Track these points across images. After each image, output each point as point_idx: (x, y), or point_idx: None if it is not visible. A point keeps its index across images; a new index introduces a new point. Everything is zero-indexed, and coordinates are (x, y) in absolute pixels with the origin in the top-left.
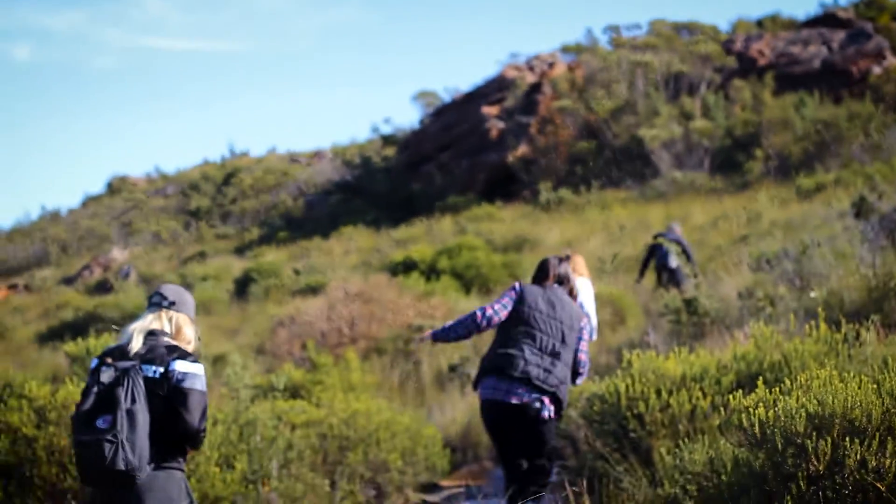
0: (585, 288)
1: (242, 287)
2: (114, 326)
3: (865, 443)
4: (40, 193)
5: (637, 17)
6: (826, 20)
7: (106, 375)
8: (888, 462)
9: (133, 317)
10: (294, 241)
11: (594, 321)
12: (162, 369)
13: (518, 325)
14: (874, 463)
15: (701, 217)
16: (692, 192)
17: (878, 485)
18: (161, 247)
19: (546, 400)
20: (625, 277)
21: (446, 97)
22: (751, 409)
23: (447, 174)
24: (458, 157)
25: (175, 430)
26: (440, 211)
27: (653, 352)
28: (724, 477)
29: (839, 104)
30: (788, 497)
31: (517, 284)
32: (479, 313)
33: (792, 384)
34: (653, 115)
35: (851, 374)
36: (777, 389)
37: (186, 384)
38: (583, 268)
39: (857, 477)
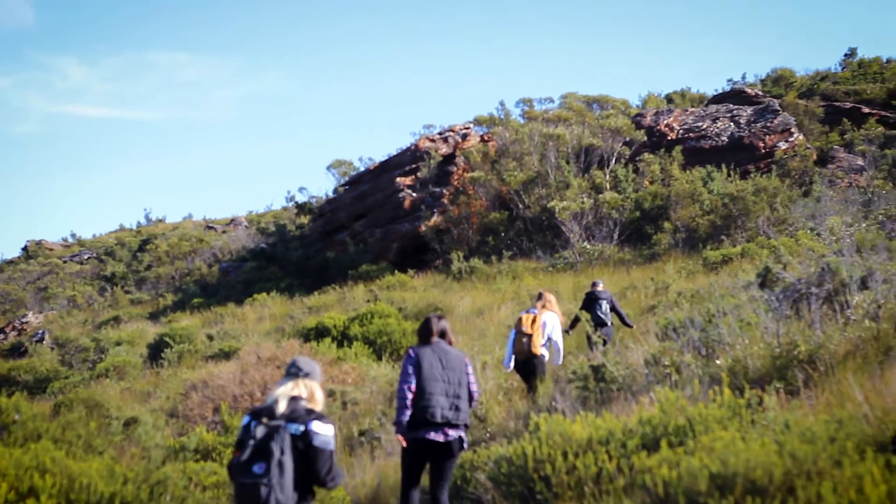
0: (552, 320)
1: (156, 352)
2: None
3: (767, 503)
4: None
5: (549, 91)
6: (734, 96)
7: (259, 430)
8: None
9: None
10: (208, 307)
11: (560, 345)
12: (303, 428)
13: (426, 382)
14: None
15: (610, 287)
16: (601, 263)
17: None
18: (76, 311)
19: (462, 434)
20: (570, 334)
21: (361, 167)
22: (654, 469)
23: (361, 242)
24: (371, 226)
25: (310, 481)
26: (353, 279)
27: (560, 415)
28: None
29: (746, 178)
30: None
31: (411, 352)
32: (406, 393)
33: (695, 445)
34: (563, 188)
35: (754, 437)
36: (681, 450)
37: (318, 442)
38: (552, 304)
39: None
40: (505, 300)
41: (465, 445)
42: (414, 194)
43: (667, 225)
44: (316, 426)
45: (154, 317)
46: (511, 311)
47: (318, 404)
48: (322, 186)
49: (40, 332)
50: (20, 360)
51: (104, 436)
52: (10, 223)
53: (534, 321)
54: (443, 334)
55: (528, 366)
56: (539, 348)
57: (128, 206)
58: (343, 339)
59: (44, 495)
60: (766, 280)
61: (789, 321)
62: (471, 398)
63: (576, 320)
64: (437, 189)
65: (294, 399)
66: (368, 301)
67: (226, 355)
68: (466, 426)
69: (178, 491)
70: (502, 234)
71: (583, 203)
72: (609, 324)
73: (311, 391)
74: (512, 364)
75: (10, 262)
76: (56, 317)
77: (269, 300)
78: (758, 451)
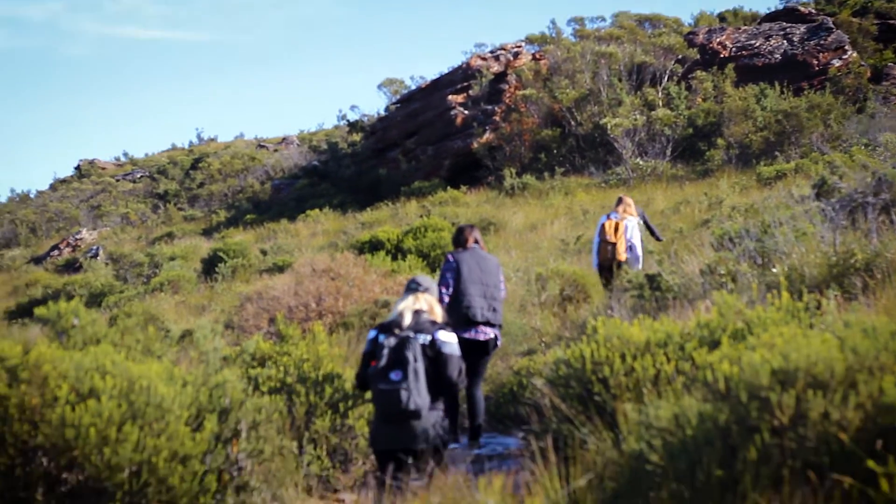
0: (633, 225)
1: (210, 266)
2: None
3: (829, 396)
4: (9, 176)
5: (601, 10)
6: (787, 15)
7: (391, 341)
8: (851, 415)
9: (101, 294)
10: (261, 223)
11: (639, 252)
12: (430, 337)
13: (467, 285)
14: (837, 416)
15: (663, 203)
16: (654, 179)
17: (841, 436)
18: (129, 228)
19: (497, 333)
20: (588, 258)
21: (412, 85)
22: (715, 365)
23: (413, 160)
24: (423, 143)
25: (439, 382)
26: (405, 196)
27: (617, 319)
28: (688, 431)
29: (799, 95)
30: (752, 448)
31: (450, 257)
32: (443, 296)
33: (756, 342)
34: (616, 105)
35: (814, 334)
36: (742, 346)
37: (446, 350)
38: (632, 208)
39: (821, 429)
40: (558, 215)
41: (499, 343)
42: (466, 112)
43: (720, 141)
44: (442, 335)
45: (207, 233)
46: (564, 226)
47: (438, 317)
48: (373, 105)
49: (94, 248)
50: (75, 276)
51: (162, 341)
52: (63, 143)
53: (616, 228)
54: (476, 241)
55: (612, 272)
56: (623, 254)
57: (180, 126)
58: (397, 252)
59: (104, 396)
60: (821, 191)
61: (845, 231)
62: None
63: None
64: (489, 107)
65: (417, 312)
66: (421, 216)
67: (279, 269)
68: (500, 326)
69: (236, 395)
70: (554, 151)
71: (635, 120)
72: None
73: (430, 305)
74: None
75: (64, 181)
76: (110, 233)
77: (322, 216)
78: (819, 347)
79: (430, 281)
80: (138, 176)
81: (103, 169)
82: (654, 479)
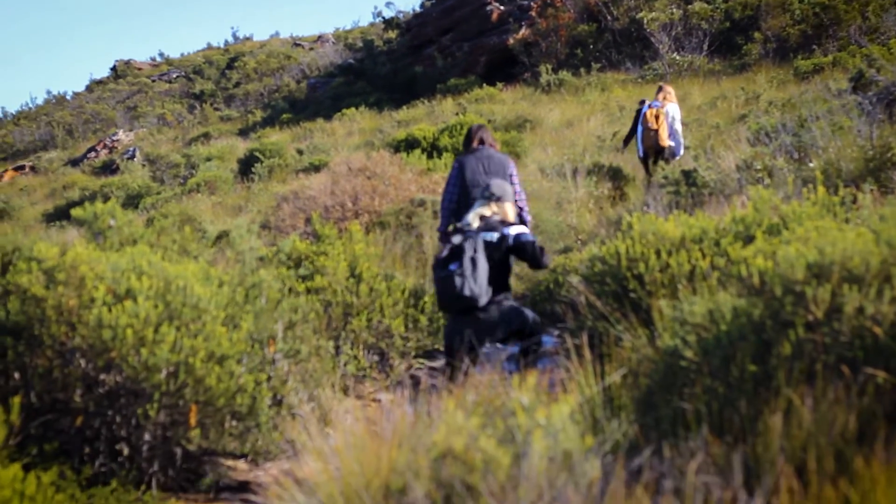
0: (674, 111)
1: (246, 167)
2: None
3: (864, 290)
4: (46, 78)
5: None
6: None
7: (456, 238)
8: (886, 308)
9: (138, 195)
10: (297, 122)
11: (680, 138)
12: (498, 234)
13: (470, 188)
14: (872, 310)
15: (699, 98)
16: (691, 74)
17: (876, 329)
18: (166, 129)
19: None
20: (624, 154)
21: None
22: (749, 260)
23: (448, 57)
24: (459, 39)
25: (506, 277)
26: (441, 93)
27: (653, 214)
28: (722, 326)
29: None
30: (786, 343)
31: (455, 161)
32: (446, 202)
33: (791, 236)
34: None
35: (849, 228)
36: (777, 240)
37: (522, 239)
38: (672, 96)
39: (855, 323)
40: (594, 112)
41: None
42: (501, 7)
43: (757, 35)
44: (512, 229)
45: (243, 133)
46: (600, 122)
47: (510, 218)
48: (409, 1)
49: (131, 149)
50: (112, 177)
51: (198, 242)
52: (98, 43)
53: (657, 115)
54: (482, 141)
55: (657, 158)
56: (666, 140)
57: (214, 25)
58: (433, 150)
59: (140, 297)
60: (858, 84)
61: (882, 124)
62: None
63: (629, 137)
64: (525, 2)
65: (485, 217)
66: (457, 114)
67: (315, 168)
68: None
69: (272, 294)
70: (591, 47)
71: (672, 14)
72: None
73: (503, 211)
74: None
75: (100, 82)
76: (146, 134)
77: (358, 115)
78: (854, 241)
79: (504, 187)
80: (174, 76)
81: (139, 69)
82: (689, 375)
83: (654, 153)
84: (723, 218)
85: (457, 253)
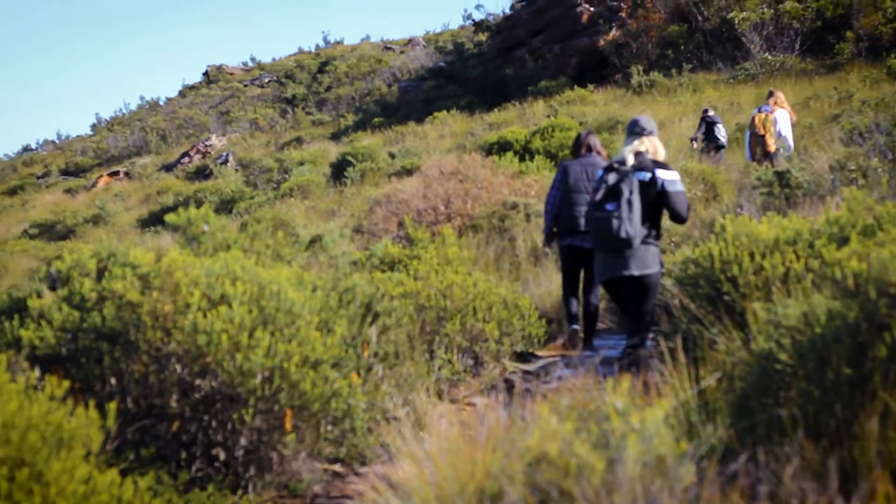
0: (783, 117)
1: (339, 171)
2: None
3: None
4: (139, 84)
5: None
6: None
7: (611, 177)
8: None
9: (231, 200)
10: (388, 126)
11: (790, 142)
12: (650, 175)
13: (571, 194)
14: None
15: (792, 98)
16: (782, 74)
17: None
18: (258, 134)
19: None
20: (716, 155)
21: None
22: (843, 262)
23: (539, 59)
24: (549, 41)
25: (657, 219)
26: (532, 95)
27: (746, 216)
28: (817, 329)
29: None
30: (882, 346)
31: (560, 166)
32: (549, 206)
33: (885, 238)
34: None
35: None
36: (871, 242)
37: (669, 188)
38: (783, 101)
39: None
40: (686, 113)
41: None
42: (591, 9)
43: (849, 34)
44: (661, 173)
45: (335, 137)
46: (692, 123)
47: (661, 157)
48: (499, 3)
49: (224, 154)
50: (205, 182)
51: (292, 246)
52: (191, 49)
53: (765, 121)
54: (590, 148)
55: (764, 162)
56: (773, 146)
57: (306, 29)
58: (525, 152)
59: (235, 302)
60: None
61: None
62: None
63: (695, 139)
64: (615, 2)
65: (640, 154)
66: (548, 116)
67: (408, 172)
68: None
69: (365, 299)
70: (681, 47)
71: (763, 13)
72: (725, 146)
73: (654, 147)
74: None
75: (192, 88)
76: (239, 139)
77: (450, 118)
78: None
79: (652, 123)
80: (266, 81)
81: (231, 74)
82: (784, 378)
83: (762, 157)
84: (817, 219)
85: (614, 192)
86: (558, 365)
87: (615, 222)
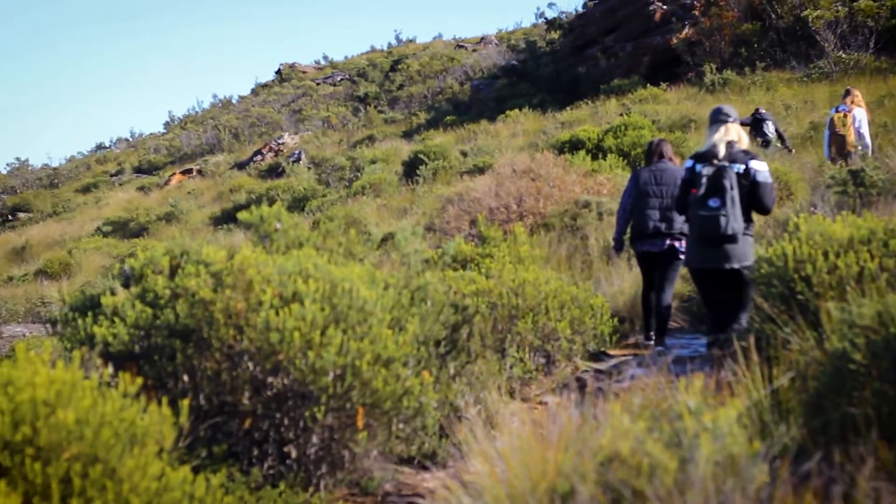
0: (860, 115)
1: (411, 169)
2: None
3: None
4: (212, 82)
5: None
6: None
7: (707, 170)
8: None
9: (304, 198)
10: (461, 124)
11: (868, 140)
12: (743, 167)
13: (641, 199)
14: None
15: (866, 96)
16: (857, 72)
17: None
18: (330, 132)
19: (675, 243)
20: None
21: None
22: None
23: (611, 57)
24: (622, 39)
25: (750, 210)
26: (605, 93)
27: (820, 215)
28: (892, 329)
29: None
30: None
31: (632, 173)
32: (620, 212)
33: None
34: None
35: None
36: None
37: (761, 178)
38: (859, 100)
39: None
40: None
41: (680, 255)
42: (664, 7)
43: None
44: (755, 164)
45: (407, 135)
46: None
47: (745, 145)
48: (571, 1)
49: (296, 152)
50: (278, 180)
51: (364, 244)
52: (263, 47)
53: (844, 119)
54: (661, 155)
55: (845, 161)
56: (852, 145)
57: (378, 27)
58: (597, 151)
59: (307, 300)
60: None
61: None
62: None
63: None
64: (688, 1)
65: (729, 143)
66: (621, 114)
67: (480, 170)
68: (682, 234)
69: (438, 297)
70: (755, 46)
71: (837, 11)
72: (771, 142)
73: (739, 134)
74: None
75: (265, 86)
76: (311, 137)
77: (522, 116)
78: None
79: (735, 111)
80: (338, 79)
81: (303, 73)
82: (858, 377)
83: (841, 156)
84: (892, 218)
85: (716, 187)
86: (630, 364)
87: (723, 220)
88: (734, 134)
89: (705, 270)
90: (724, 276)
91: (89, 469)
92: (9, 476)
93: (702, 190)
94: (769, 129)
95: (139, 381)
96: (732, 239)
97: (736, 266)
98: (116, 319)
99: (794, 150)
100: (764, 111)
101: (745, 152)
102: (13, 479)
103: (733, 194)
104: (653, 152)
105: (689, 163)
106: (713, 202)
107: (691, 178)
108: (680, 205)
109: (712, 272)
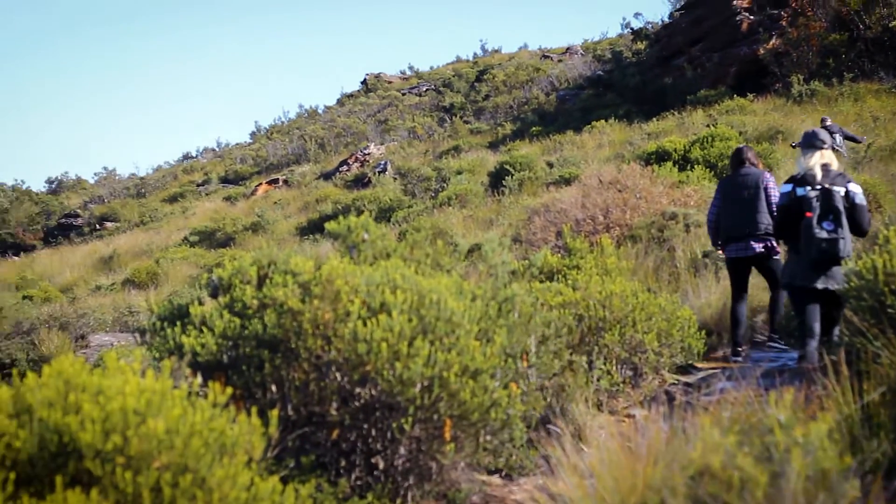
0: None
1: (496, 180)
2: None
3: None
4: (298, 92)
5: None
6: None
7: (813, 194)
8: None
9: (390, 209)
10: (546, 135)
11: None
12: (843, 190)
13: (725, 204)
14: None
15: None
16: None
17: None
18: (416, 142)
19: (767, 243)
20: (879, 166)
21: None
22: None
23: (698, 68)
24: (708, 50)
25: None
26: (691, 104)
27: None
28: None
29: None
30: None
31: (719, 183)
32: (708, 219)
33: None
34: None
35: None
36: None
37: (858, 201)
38: None
39: None
40: (847, 123)
41: (774, 253)
42: (751, 17)
43: None
44: (852, 187)
45: (493, 146)
46: (855, 132)
47: (837, 167)
48: (657, 12)
49: (382, 162)
50: (364, 191)
51: (451, 255)
52: (349, 58)
53: None
54: (744, 161)
55: None
56: None
57: (463, 37)
58: (684, 162)
59: (395, 311)
60: None
61: None
62: (772, 215)
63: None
64: (775, 11)
65: (825, 166)
66: (707, 125)
67: (566, 181)
68: (767, 235)
69: (525, 308)
70: (842, 56)
71: None
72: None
73: (831, 158)
74: None
75: (351, 96)
76: (397, 148)
77: (608, 127)
78: None
79: (827, 136)
80: (424, 89)
81: (389, 83)
82: None
83: None
84: None
85: (828, 210)
86: (719, 377)
87: (841, 243)
88: (828, 157)
89: (811, 290)
90: (826, 295)
91: (179, 478)
92: (100, 485)
93: (817, 212)
94: (837, 141)
95: (229, 390)
96: (840, 260)
97: (840, 287)
98: (204, 329)
99: (864, 138)
100: (830, 122)
101: (842, 175)
102: (104, 488)
103: (842, 217)
104: (737, 159)
105: (786, 187)
106: (828, 225)
107: (793, 201)
108: (780, 228)
109: (817, 291)
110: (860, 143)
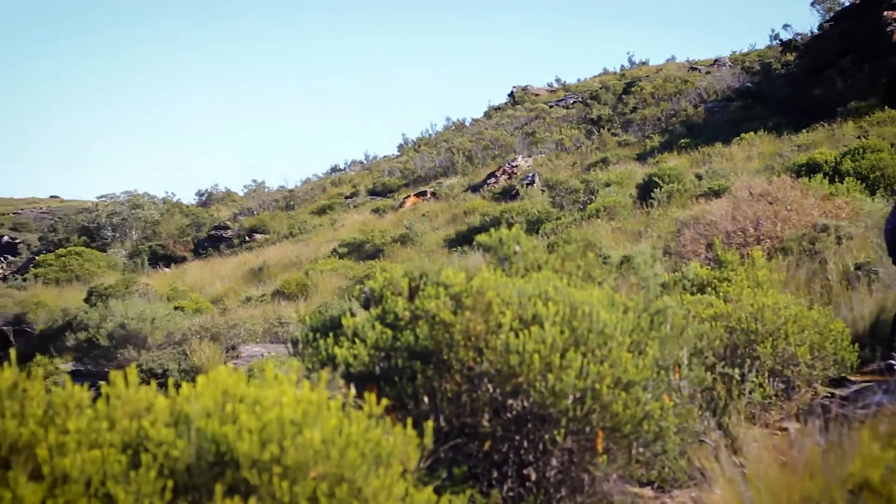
0: None
1: (645, 192)
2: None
3: None
4: (445, 105)
5: None
6: None
7: None
8: None
9: (538, 221)
10: (695, 147)
11: None
12: None
13: None
14: None
15: None
16: None
17: None
18: (563, 154)
19: None
20: None
21: (846, 1)
22: None
23: (848, 79)
24: (859, 61)
25: None
26: (841, 116)
27: None
28: None
29: None
30: None
31: None
32: (887, 228)
33: None
34: None
35: None
36: None
37: None
38: None
39: None
40: None
41: None
42: None
43: None
44: None
45: (641, 158)
46: None
47: None
48: (806, 23)
49: (530, 175)
50: (512, 203)
51: (602, 267)
52: (496, 70)
53: None
54: None
55: None
56: None
57: (610, 50)
58: (835, 174)
59: (547, 322)
60: None
61: None
62: None
63: None
64: None
65: None
66: (858, 137)
67: (715, 194)
68: None
69: (676, 321)
70: None
71: None
72: None
73: None
74: None
75: (498, 109)
76: (544, 160)
77: (757, 139)
78: None
79: None
80: (571, 101)
81: (536, 95)
82: None
83: None
84: None
85: None
86: (874, 390)
87: None
88: None
89: None
90: None
91: (335, 489)
92: (257, 494)
93: None
94: None
95: (384, 401)
96: None
97: None
98: (357, 340)
99: None
100: None
101: None
102: (261, 497)
103: None
104: None
105: None
106: None
107: None
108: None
109: None
110: None
